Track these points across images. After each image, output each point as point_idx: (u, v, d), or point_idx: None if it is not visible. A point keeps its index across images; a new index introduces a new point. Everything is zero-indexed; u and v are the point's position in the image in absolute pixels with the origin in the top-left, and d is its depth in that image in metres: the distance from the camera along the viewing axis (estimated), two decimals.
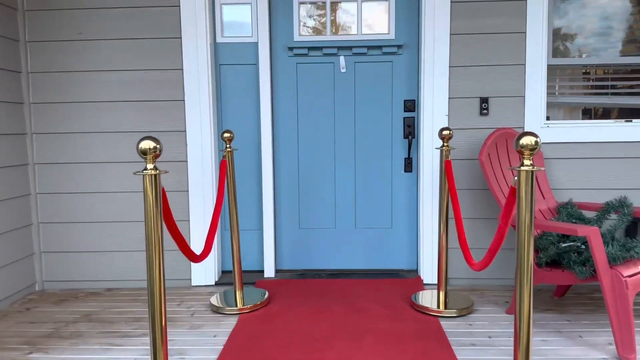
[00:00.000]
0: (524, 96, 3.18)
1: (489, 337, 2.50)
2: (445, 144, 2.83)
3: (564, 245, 2.60)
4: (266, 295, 3.02)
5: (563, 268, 2.54)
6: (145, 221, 1.69)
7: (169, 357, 2.34)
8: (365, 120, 3.43)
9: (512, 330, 2.59)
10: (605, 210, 2.88)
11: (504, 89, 3.19)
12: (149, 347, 2.45)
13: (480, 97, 3.20)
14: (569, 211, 2.95)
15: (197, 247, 3.32)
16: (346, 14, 3.37)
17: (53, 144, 3.29)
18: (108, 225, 3.33)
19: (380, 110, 3.42)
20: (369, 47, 3.35)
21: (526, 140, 1.61)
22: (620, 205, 2.84)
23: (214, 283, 3.36)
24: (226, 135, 2.89)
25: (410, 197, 3.47)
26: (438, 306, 2.82)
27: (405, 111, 3.41)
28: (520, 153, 1.63)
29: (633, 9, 3.24)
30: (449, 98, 3.21)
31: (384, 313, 2.81)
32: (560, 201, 3.17)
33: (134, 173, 1.63)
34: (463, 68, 3.19)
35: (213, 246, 3.34)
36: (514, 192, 1.75)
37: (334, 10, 3.37)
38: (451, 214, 3.27)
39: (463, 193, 3.27)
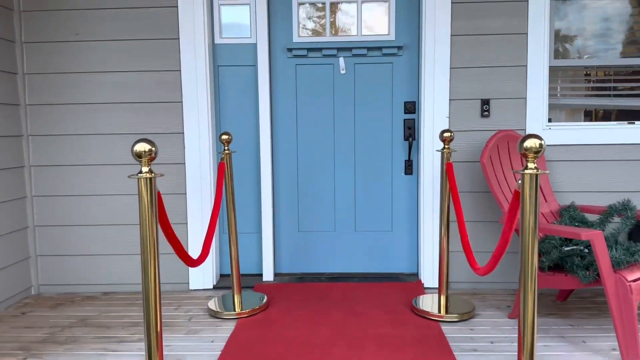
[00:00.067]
0: (526, 98, 3.14)
1: (491, 343, 2.46)
2: (446, 146, 2.79)
3: (566, 249, 2.56)
4: (265, 300, 2.98)
5: (566, 272, 2.51)
6: (140, 225, 1.65)
7: None
8: (365, 122, 3.40)
9: (515, 335, 2.55)
10: (608, 213, 2.84)
11: (505, 90, 3.16)
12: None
13: (482, 99, 3.17)
14: (572, 214, 2.92)
15: (195, 250, 3.28)
16: (346, 15, 3.34)
17: (49, 146, 3.25)
18: (105, 228, 3.29)
19: (380, 112, 3.38)
20: (368, 48, 3.32)
21: (530, 143, 1.57)
22: (623, 208, 2.80)
23: (212, 287, 3.32)
24: (224, 137, 2.86)
25: (410, 199, 3.44)
26: (439, 310, 2.78)
27: (405, 113, 3.38)
28: (524, 156, 1.59)
29: (633, 10, 3.21)
30: (450, 100, 3.18)
31: (384, 318, 2.77)
32: (563, 204, 3.13)
33: (129, 176, 1.59)
34: (464, 69, 3.16)
35: (211, 250, 3.31)
36: (517, 196, 1.72)
37: (333, 11, 3.33)
38: (452, 217, 3.23)
39: (464, 196, 3.23)
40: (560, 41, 3.26)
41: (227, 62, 3.36)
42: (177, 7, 3.15)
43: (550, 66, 3.19)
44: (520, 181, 1.62)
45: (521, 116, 3.17)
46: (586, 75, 3.31)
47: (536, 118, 3.15)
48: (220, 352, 2.39)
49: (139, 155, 1.62)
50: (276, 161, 3.45)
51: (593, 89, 3.30)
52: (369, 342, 2.46)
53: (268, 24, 3.30)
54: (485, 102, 3.16)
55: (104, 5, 3.16)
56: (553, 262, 2.56)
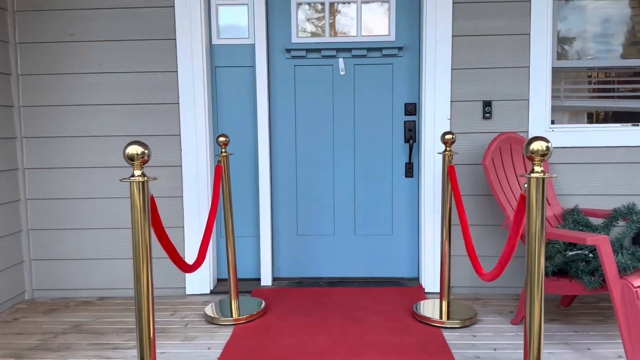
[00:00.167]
0: (528, 99, 3.09)
1: (494, 350, 2.40)
2: (447, 148, 2.74)
3: (571, 253, 2.51)
4: (263, 305, 2.92)
5: (570, 277, 2.45)
6: (132, 230, 1.60)
7: None
8: (365, 124, 3.34)
9: (518, 342, 2.50)
10: (612, 217, 2.79)
11: (507, 92, 3.10)
12: None
13: (483, 101, 3.12)
14: (575, 218, 2.86)
15: (191, 254, 3.22)
16: (345, 15, 3.28)
17: (44, 149, 3.20)
18: (100, 231, 3.23)
19: (380, 114, 3.33)
20: (368, 49, 3.27)
21: (537, 146, 1.51)
22: (628, 212, 2.75)
23: (209, 292, 3.25)
24: (221, 139, 2.80)
25: (411, 203, 3.38)
26: (440, 316, 2.72)
27: (406, 115, 3.32)
28: (531, 159, 1.54)
29: (633, 10, 3.16)
30: (451, 101, 3.13)
31: (384, 324, 2.71)
32: (566, 207, 3.08)
33: (121, 180, 1.54)
34: (465, 70, 3.11)
35: (208, 254, 3.25)
36: (524, 200, 1.66)
37: (332, 11, 3.28)
38: (454, 220, 3.17)
39: (466, 199, 3.17)
40: (562, 43, 3.21)
41: (225, 63, 3.31)
42: (173, 7, 3.10)
43: (553, 67, 3.14)
44: (526, 185, 1.56)
45: (524, 118, 3.11)
46: (589, 76, 3.25)
47: (539, 120, 3.09)
48: None
49: (131, 158, 1.56)
50: (274, 163, 3.39)
51: (596, 90, 3.25)
52: (369, 349, 2.40)
53: (266, 25, 3.25)
54: (487, 104, 3.11)
55: (99, 5, 3.11)
56: (557, 267, 2.50)
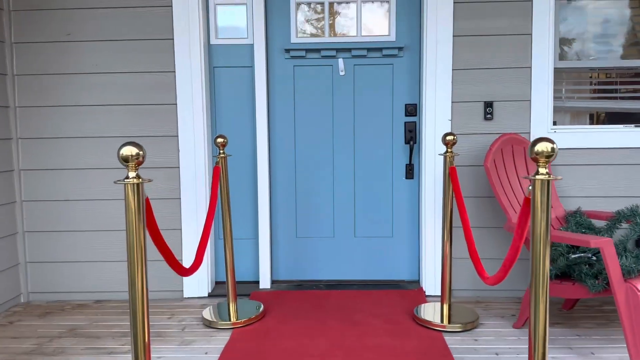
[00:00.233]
0: (530, 100, 3.06)
1: (496, 354, 2.37)
2: (449, 149, 2.70)
3: (573, 256, 2.47)
4: (261, 308, 2.88)
5: (574, 281, 2.41)
6: (126, 233, 1.56)
7: None
8: (365, 125, 3.31)
9: (520, 346, 2.46)
10: (616, 219, 2.75)
11: (509, 92, 3.07)
12: None
13: (485, 101, 3.08)
14: (578, 220, 2.82)
15: (189, 257, 3.18)
16: (345, 15, 3.25)
17: (39, 150, 3.16)
18: (98, 234, 3.19)
19: (381, 115, 3.29)
20: (368, 49, 3.23)
21: (542, 147, 1.47)
22: (631, 214, 2.71)
23: (207, 295, 3.21)
24: (219, 140, 2.76)
25: (411, 204, 3.34)
26: (442, 320, 2.69)
27: (406, 115, 3.29)
28: (535, 160, 1.50)
29: (633, 11, 3.12)
30: (452, 102, 3.09)
31: (384, 328, 2.67)
32: (569, 209, 3.04)
33: (115, 182, 1.49)
34: (466, 71, 3.07)
35: (206, 256, 3.21)
36: (528, 203, 1.62)
37: (332, 10, 3.25)
38: (455, 222, 3.13)
39: (467, 201, 3.14)
40: (564, 43, 3.18)
41: (223, 63, 3.27)
42: (171, 6, 3.07)
43: (555, 68, 3.10)
44: (530, 187, 1.53)
45: (525, 119, 3.08)
46: (591, 77, 3.22)
47: (541, 121, 3.06)
48: None
49: (125, 160, 1.52)
50: (273, 165, 3.35)
51: (598, 91, 3.22)
52: (368, 353, 2.36)
53: (265, 24, 3.21)
54: (489, 105, 3.08)
55: (96, 5, 3.07)
56: (560, 270, 2.47)
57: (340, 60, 3.25)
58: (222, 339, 2.57)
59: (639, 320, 2.16)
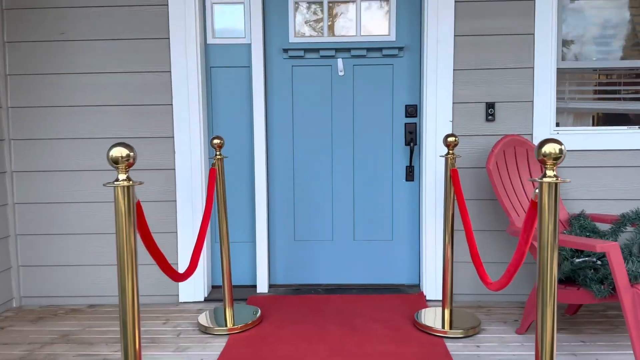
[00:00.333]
0: (533, 101, 3.00)
1: None
2: (450, 151, 2.64)
3: (578, 260, 2.41)
4: (258, 314, 2.81)
5: (578, 286, 2.35)
6: (116, 237, 1.50)
7: None
8: (364, 126, 3.25)
9: (523, 352, 2.39)
10: (620, 222, 2.69)
11: (511, 93, 3.01)
12: None
13: (486, 102, 3.02)
14: (582, 223, 2.77)
15: (184, 260, 3.11)
16: (344, 15, 3.19)
17: (32, 151, 3.09)
18: (91, 237, 3.13)
19: (380, 116, 3.24)
20: (368, 49, 3.18)
21: (550, 148, 1.42)
22: (637, 217, 2.65)
23: (203, 299, 3.15)
24: (216, 141, 2.70)
25: (412, 207, 3.28)
26: (443, 326, 2.62)
27: (406, 117, 3.23)
28: (542, 162, 1.44)
29: (633, 10, 3.08)
30: (453, 103, 3.03)
31: (384, 333, 2.60)
32: (572, 212, 2.98)
33: (104, 184, 1.43)
34: (468, 71, 3.02)
35: (203, 260, 3.15)
36: (534, 206, 1.56)
37: (331, 10, 3.19)
38: (456, 225, 3.07)
39: (468, 204, 3.08)
40: (567, 44, 3.12)
41: (220, 63, 3.22)
42: (167, 5, 3.01)
43: (557, 68, 3.05)
44: (537, 190, 1.47)
45: (528, 120, 3.02)
46: (594, 78, 3.16)
47: (543, 122, 3.00)
48: None
49: (115, 161, 1.46)
50: (271, 166, 3.29)
51: (602, 92, 3.16)
52: (367, 359, 2.30)
53: (263, 24, 3.16)
54: (490, 106, 3.02)
55: (90, 4, 3.01)
56: (564, 275, 2.41)
57: (340, 61, 3.19)
58: (218, 345, 2.50)
59: None
